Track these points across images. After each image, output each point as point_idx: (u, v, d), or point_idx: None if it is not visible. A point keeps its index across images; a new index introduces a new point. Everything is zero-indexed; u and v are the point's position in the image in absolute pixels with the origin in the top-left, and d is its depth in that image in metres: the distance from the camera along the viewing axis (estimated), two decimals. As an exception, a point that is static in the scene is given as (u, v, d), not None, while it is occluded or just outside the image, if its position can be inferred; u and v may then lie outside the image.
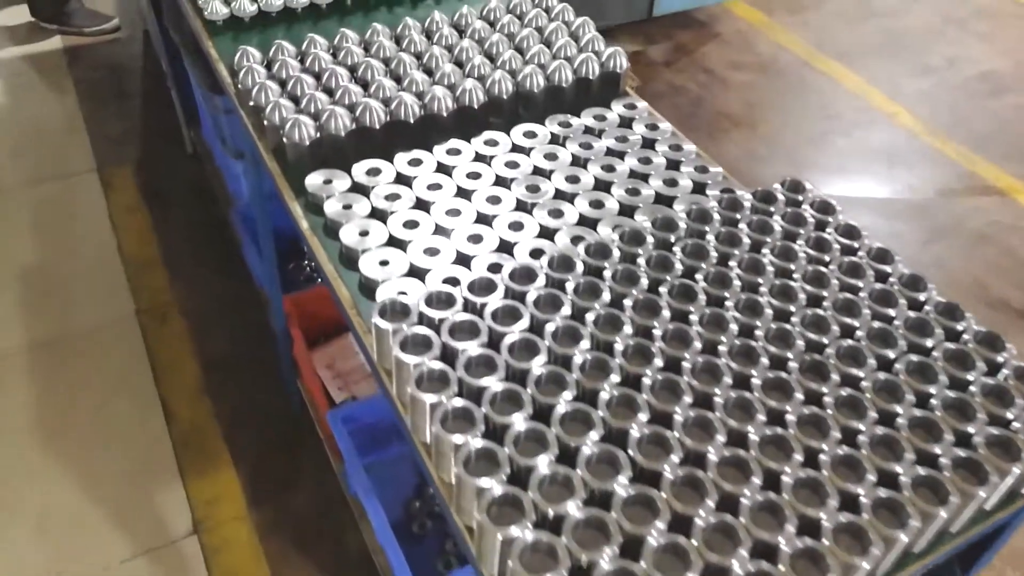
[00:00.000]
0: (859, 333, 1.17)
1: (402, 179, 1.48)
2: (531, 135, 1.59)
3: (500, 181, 1.48)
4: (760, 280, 1.24)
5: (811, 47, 4.32)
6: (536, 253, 1.33)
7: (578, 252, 1.27)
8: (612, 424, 1.02)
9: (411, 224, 1.38)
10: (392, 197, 1.43)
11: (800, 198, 1.41)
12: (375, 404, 2.05)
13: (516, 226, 1.38)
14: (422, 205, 1.42)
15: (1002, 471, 1.01)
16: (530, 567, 0.89)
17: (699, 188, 1.50)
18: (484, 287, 1.21)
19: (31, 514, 2.19)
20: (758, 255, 1.28)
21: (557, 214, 1.41)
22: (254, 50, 1.71)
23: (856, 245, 1.32)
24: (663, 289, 1.21)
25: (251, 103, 1.60)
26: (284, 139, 1.50)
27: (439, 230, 1.37)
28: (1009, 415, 1.08)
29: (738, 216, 1.36)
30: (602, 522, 0.92)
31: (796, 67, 4.18)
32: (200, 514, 2.22)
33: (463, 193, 1.45)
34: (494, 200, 1.43)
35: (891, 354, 1.14)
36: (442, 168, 1.50)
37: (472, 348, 1.10)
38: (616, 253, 1.26)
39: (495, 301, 1.17)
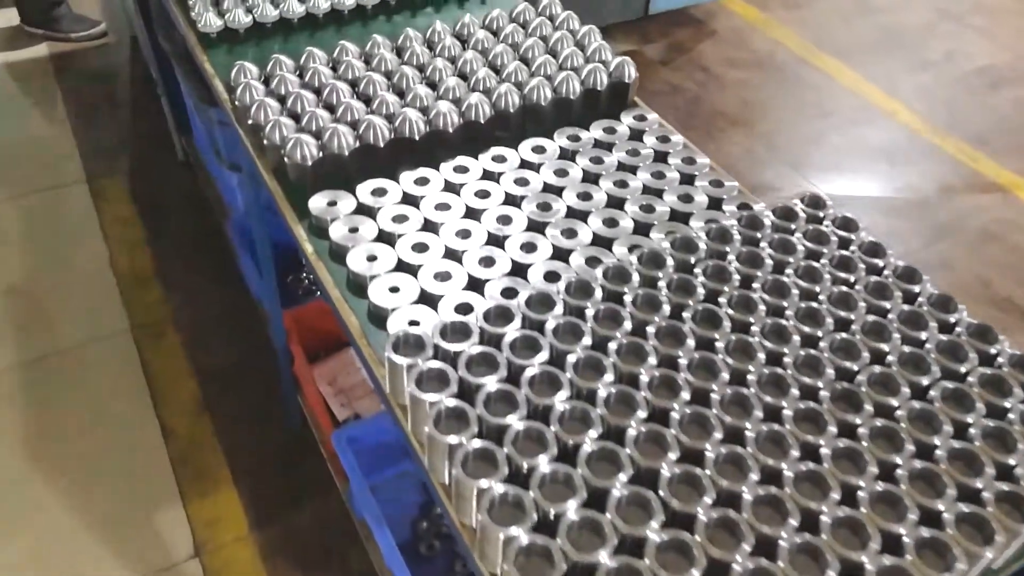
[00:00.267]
0: (890, 358, 1.13)
1: (409, 199, 1.43)
2: (540, 150, 1.54)
3: (510, 199, 1.44)
4: (785, 303, 1.19)
5: (808, 43, 4.28)
6: (551, 276, 1.29)
7: (596, 276, 1.22)
8: (641, 464, 0.98)
9: (420, 247, 1.33)
10: (399, 219, 1.38)
11: (821, 214, 1.37)
12: (380, 422, 2.00)
13: (529, 247, 1.34)
14: (430, 227, 1.38)
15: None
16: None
17: (714, 203, 1.46)
18: (500, 315, 1.16)
19: (26, 539, 2.13)
20: (782, 276, 1.24)
21: (570, 234, 1.37)
22: (251, 65, 1.65)
23: (881, 264, 1.28)
24: (686, 315, 1.17)
25: (249, 121, 1.54)
26: (286, 159, 1.45)
27: (449, 253, 1.33)
28: (1049, 444, 1.04)
29: (759, 235, 1.31)
30: (634, 570, 0.88)
31: (793, 64, 4.14)
32: (201, 536, 2.17)
33: (472, 213, 1.40)
34: (505, 220, 1.38)
35: (924, 380, 1.10)
36: (450, 187, 1.45)
37: (491, 383, 1.06)
38: (635, 277, 1.22)
39: (512, 331, 1.13)
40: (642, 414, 1.03)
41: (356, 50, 1.71)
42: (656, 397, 1.05)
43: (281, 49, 1.83)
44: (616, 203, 1.44)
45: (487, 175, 1.48)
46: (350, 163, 1.47)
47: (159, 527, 2.18)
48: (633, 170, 1.51)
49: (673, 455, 0.99)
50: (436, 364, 1.08)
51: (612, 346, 1.11)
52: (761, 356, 1.11)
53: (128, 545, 2.13)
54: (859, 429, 1.04)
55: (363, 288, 1.28)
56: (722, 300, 1.19)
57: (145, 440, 2.37)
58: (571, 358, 1.09)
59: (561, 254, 1.33)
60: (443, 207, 1.40)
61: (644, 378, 1.07)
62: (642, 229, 1.39)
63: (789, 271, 1.25)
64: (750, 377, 1.09)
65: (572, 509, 0.93)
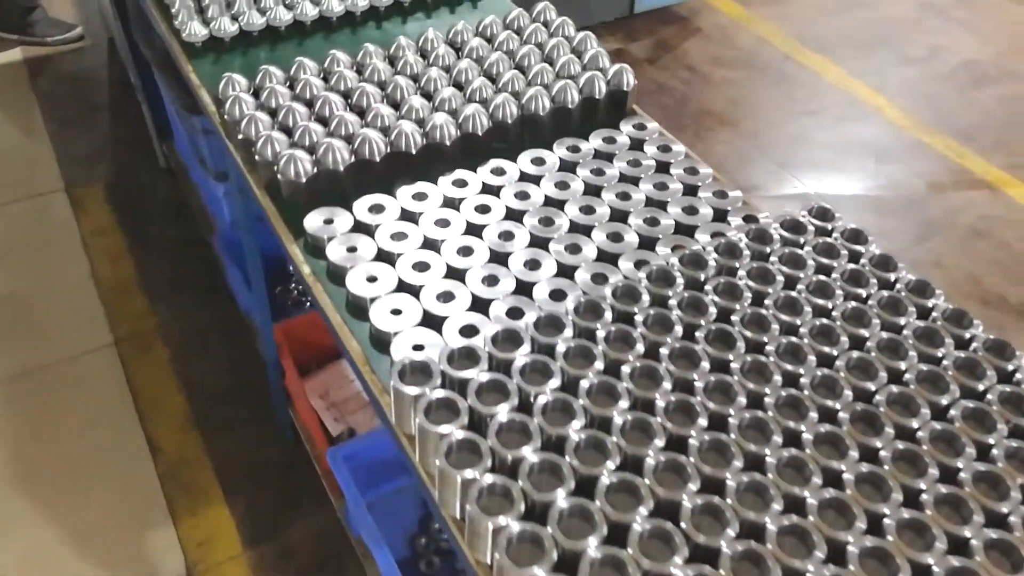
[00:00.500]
0: (908, 376, 1.11)
1: (407, 215, 1.39)
2: (539, 162, 1.50)
3: (511, 214, 1.40)
4: (798, 321, 1.17)
5: (792, 39, 4.27)
6: (557, 294, 1.25)
7: (605, 295, 1.19)
8: (661, 496, 0.95)
9: (421, 266, 1.29)
10: (399, 236, 1.34)
11: (829, 227, 1.34)
12: (375, 438, 1.96)
13: (532, 264, 1.30)
14: (431, 244, 1.34)
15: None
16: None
17: (719, 214, 1.43)
18: (508, 339, 1.12)
19: (12, 562, 2.07)
20: (793, 292, 1.21)
21: (575, 249, 1.33)
22: (240, 77, 1.60)
23: (893, 278, 1.26)
24: (699, 334, 1.14)
25: (240, 135, 1.49)
26: (279, 175, 1.40)
27: (451, 272, 1.29)
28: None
29: (768, 249, 1.28)
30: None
31: (778, 61, 4.12)
32: (193, 556, 2.12)
33: (473, 229, 1.36)
34: (507, 236, 1.35)
35: (944, 400, 1.08)
36: (449, 202, 1.41)
37: (502, 412, 1.02)
38: (645, 296, 1.19)
39: (521, 356, 1.09)
40: (659, 442, 1.00)
41: (347, 60, 1.67)
42: (673, 424, 1.02)
43: (269, 58, 1.78)
44: (619, 216, 1.41)
45: (487, 189, 1.45)
46: (345, 179, 1.43)
47: (149, 548, 2.13)
48: (635, 181, 1.48)
49: (693, 485, 0.96)
50: (444, 393, 1.04)
51: (625, 370, 1.08)
52: (777, 378, 1.09)
53: (117, 568, 2.08)
54: (881, 452, 1.01)
55: (364, 310, 1.24)
56: (735, 318, 1.17)
57: (132, 457, 2.31)
58: (584, 384, 1.06)
59: (566, 271, 1.30)
60: (443, 223, 1.37)
61: (660, 403, 1.04)
62: (647, 243, 1.36)
63: (800, 287, 1.23)
64: (767, 400, 1.06)
65: (592, 546, 0.90)
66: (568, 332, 1.13)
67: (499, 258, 1.31)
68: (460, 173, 1.46)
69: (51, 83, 3.68)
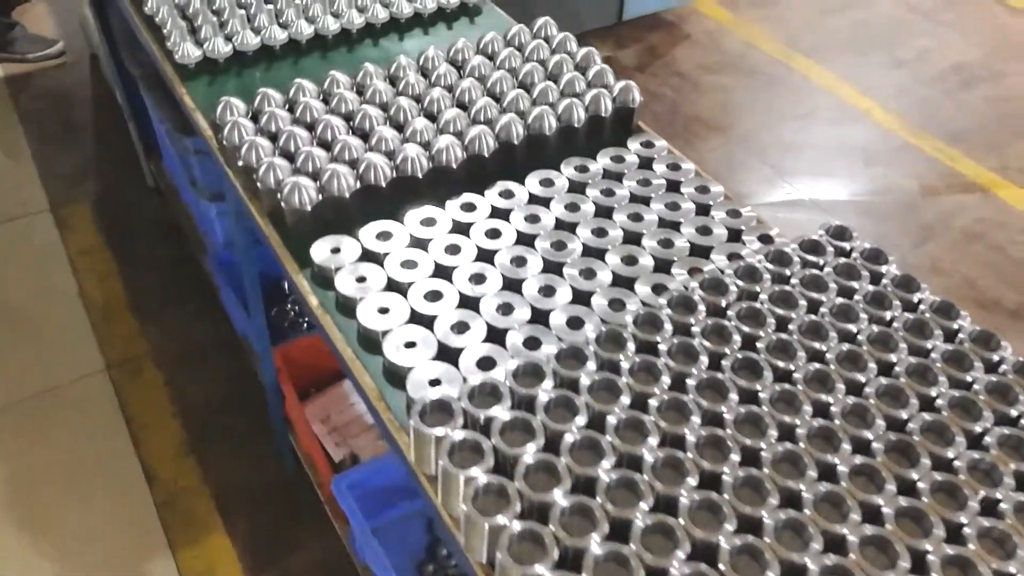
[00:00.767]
0: (939, 402, 1.08)
1: (416, 242, 1.35)
2: (548, 183, 1.47)
3: (522, 238, 1.37)
4: (824, 347, 1.14)
5: (780, 44, 4.26)
6: (575, 322, 1.22)
7: (626, 323, 1.16)
8: (697, 537, 0.92)
9: (433, 296, 1.26)
10: (408, 264, 1.30)
11: (848, 247, 1.31)
12: (380, 464, 1.92)
13: (547, 291, 1.27)
14: (442, 271, 1.30)
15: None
16: None
17: (732, 234, 1.40)
18: (530, 373, 1.09)
19: (8, 601, 2.02)
20: (817, 317, 1.18)
21: (589, 274, 1.30)
22: (238, 101, 1.55)
23: (916, 299, 1.23)
24: (725, 363, 1.11)
25: (240, 162, 1.45)
26: (283, 204, 1.36)
27: (464, 301, 1.25)
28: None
29: (788, 272, 1.26)
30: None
31: (766, 65, 4.11)
32: (194, 587, 2.07)
33: (484, 255, 1.33)
34: (519, 262, 1.31)
35: (978, 428, 1.05)
36: (458, 227, 1.38)
37: (528, 453, 0.99)
38: (667, 324, 1.15)
39: (544, 392, 1.06)
40: (692, 481, 0.97)
41: (347, 80, 1.63)
42: (704, 459, 0.99)
43: (264, 78, 1.74)
44: (632, 238, 1.38)
45: (496, 212, 1.41)
46: (351, 205, 1.39)
47: (148, 579, 2.08)
48: (646, 201, 1.45)
49: (730, 526, 0.93)
50: (467, 434, 1.01)
51: (652, 403, 1.05)
52: (807, 408, 1.06)
53: (116, 601, 2.03)
54: (919, 484, 0.99)
55: (376, 344, 1.20)
56: (760, 345, 1.14)
57: (128, 486, 2.26)
58: (611, 420, 1.02)
59: (582, 297, 1.27)
60: (453, 250, 1.33)
61: (690, 439, 1.01)
62: (663, 266, 1.33)
63: (823, 310, 1.20)
64: (799, 431, 1.03)
65: (631, 595, 0.87)
66: (591, 364, 1.10)
67: (513, 285, 1.28)
68: (468, 197, 1.42)
69: (33, 100, 3.61)
